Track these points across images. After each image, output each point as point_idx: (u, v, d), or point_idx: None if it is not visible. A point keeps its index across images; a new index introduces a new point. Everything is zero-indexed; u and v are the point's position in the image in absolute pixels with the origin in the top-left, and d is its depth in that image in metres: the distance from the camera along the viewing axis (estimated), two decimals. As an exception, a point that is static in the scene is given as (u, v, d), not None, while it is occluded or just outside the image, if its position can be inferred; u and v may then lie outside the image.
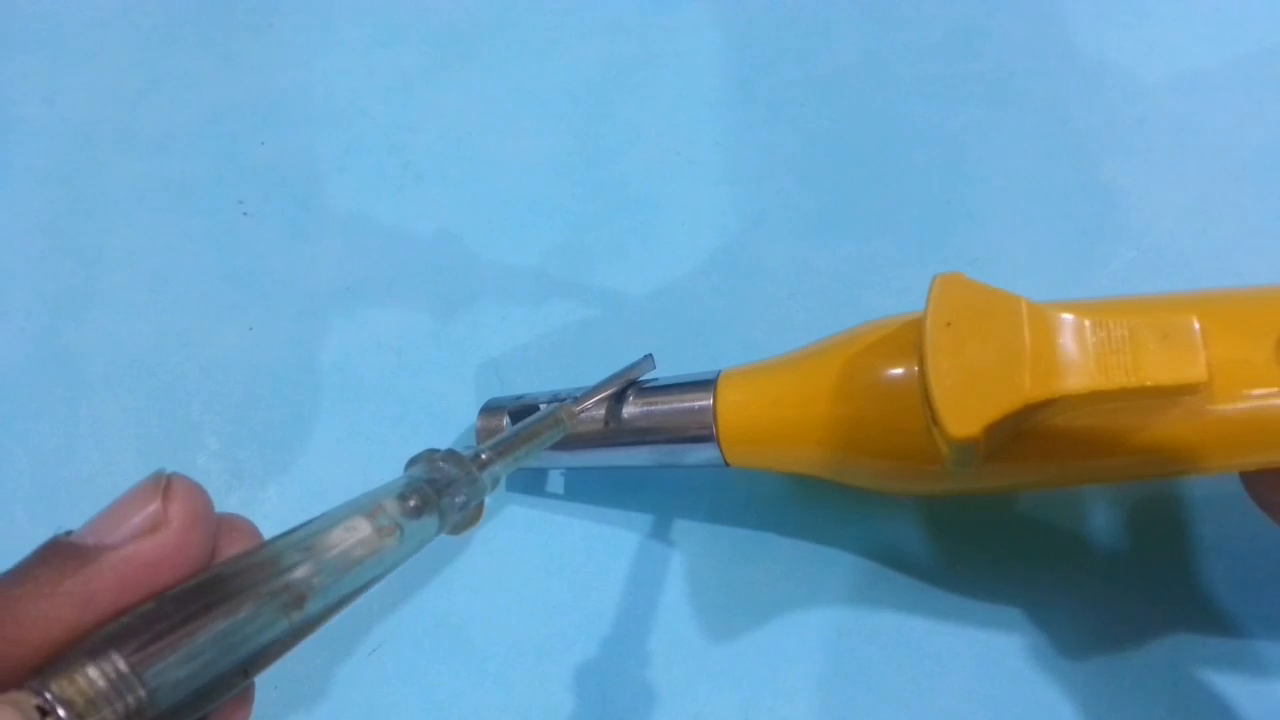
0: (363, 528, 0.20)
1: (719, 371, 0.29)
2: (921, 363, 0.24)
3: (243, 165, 0.40)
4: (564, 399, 0.29)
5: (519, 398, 0.31)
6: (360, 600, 0.31)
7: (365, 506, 0.20)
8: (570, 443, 0.30)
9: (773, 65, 0.41)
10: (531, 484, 0.33)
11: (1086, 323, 0.23)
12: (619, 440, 0.29)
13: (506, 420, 0.31)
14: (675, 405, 0.29)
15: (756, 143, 0.39)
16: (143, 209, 0.39)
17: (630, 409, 0.29)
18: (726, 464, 0.29)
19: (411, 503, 0.21)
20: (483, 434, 0.31)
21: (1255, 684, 0.28)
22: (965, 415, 0.22)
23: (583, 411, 0.28)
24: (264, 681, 0.31)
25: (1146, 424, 0.24)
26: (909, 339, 0.25)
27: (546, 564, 0.32)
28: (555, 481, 0.33)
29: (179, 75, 0.43)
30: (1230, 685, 0.28)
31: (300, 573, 0.18)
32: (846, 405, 0.26)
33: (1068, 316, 0.23)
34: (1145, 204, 0.36)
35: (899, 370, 0.25)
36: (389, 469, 0.33)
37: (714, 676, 0.30)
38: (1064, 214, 0.36)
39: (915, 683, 0.29)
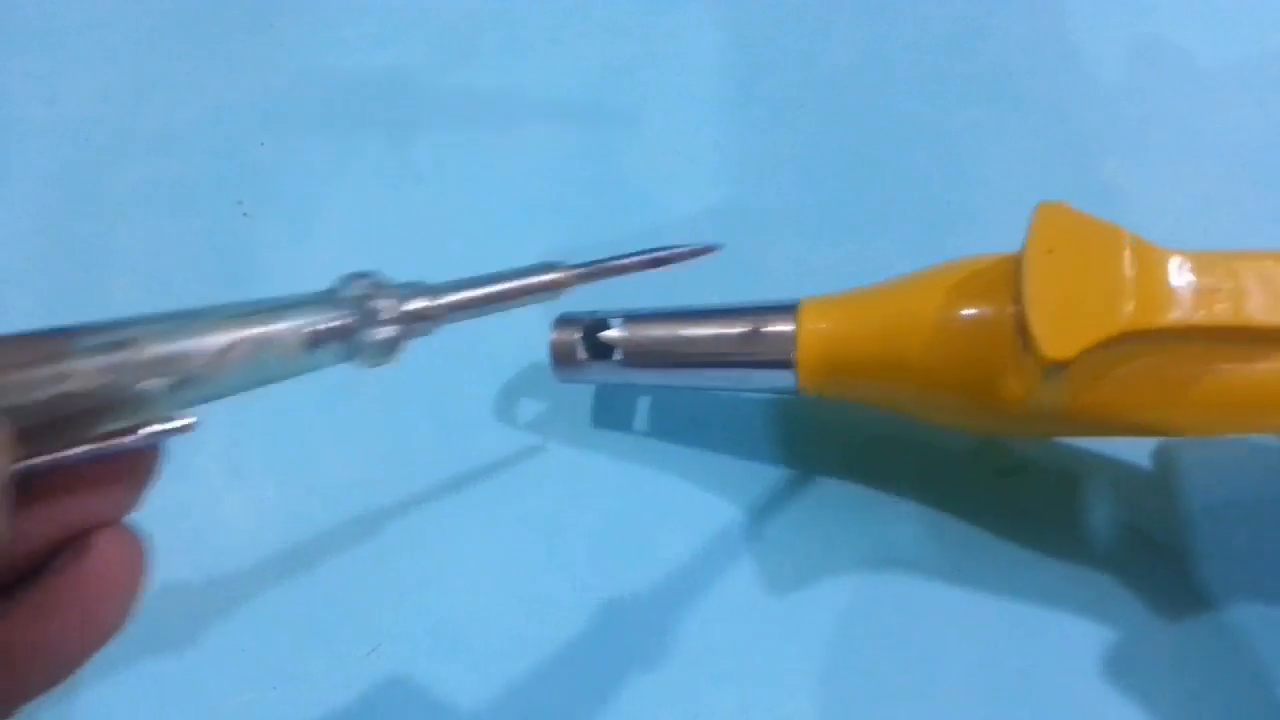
0: (241, 335, 0.19)
1: (797, 299, 0.29)
2: (1020, 287, 0.24)
3: (243, 165, 0.40)
4: (637, 316, 0.29)
5: (593, 313, 0.32)
6: (359, 600, 0.32)
7: (252, 321, 0.19)
8: (643, 360, 0.30)
9: (773, 65, 0.41)
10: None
11: (1189, 261, 0.23)
12: (693, 361, 0.29)
13: (579, 336, 0.31)
14: (754, 328, 0.29)
15: (756, 143, 0.39)
16: (143, 209, 0.39)
17: (705, 329, 0.29)
18: (801, 392, 0.29)
19: (314, 328, 0.19)
20: (556, 347, 0.31)
21: (1255, 684, 0.28)
22: (1061, 338, 0.22)
23: (583, 278, 0.25)
24: (263, 682, 0.31)
25: (1237, 373, 0.24)
26: (1005, 273, 0.25)
27: (546, 564, 0.32)
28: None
29: (179, 75, 0.43)
30: (1231, 685, 0.28)
31: (154, 348, 0.18)
32: (937, 339, 0.26)
33: (1170, 252, 0.23)
34: (1145, 204, 0.36)
35: (993, 305, 0.26)
36: (389, 469, 0.33)
37: (714, 676, 0.30)
38: (1064, 214, 0.36)
39: (915, 683, 0.29)
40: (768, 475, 0.32)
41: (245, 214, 0.39)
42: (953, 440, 0.32)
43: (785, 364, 0.28)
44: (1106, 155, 0.37)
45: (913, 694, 0.29)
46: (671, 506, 0.32)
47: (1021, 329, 0.24)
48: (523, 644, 0.30)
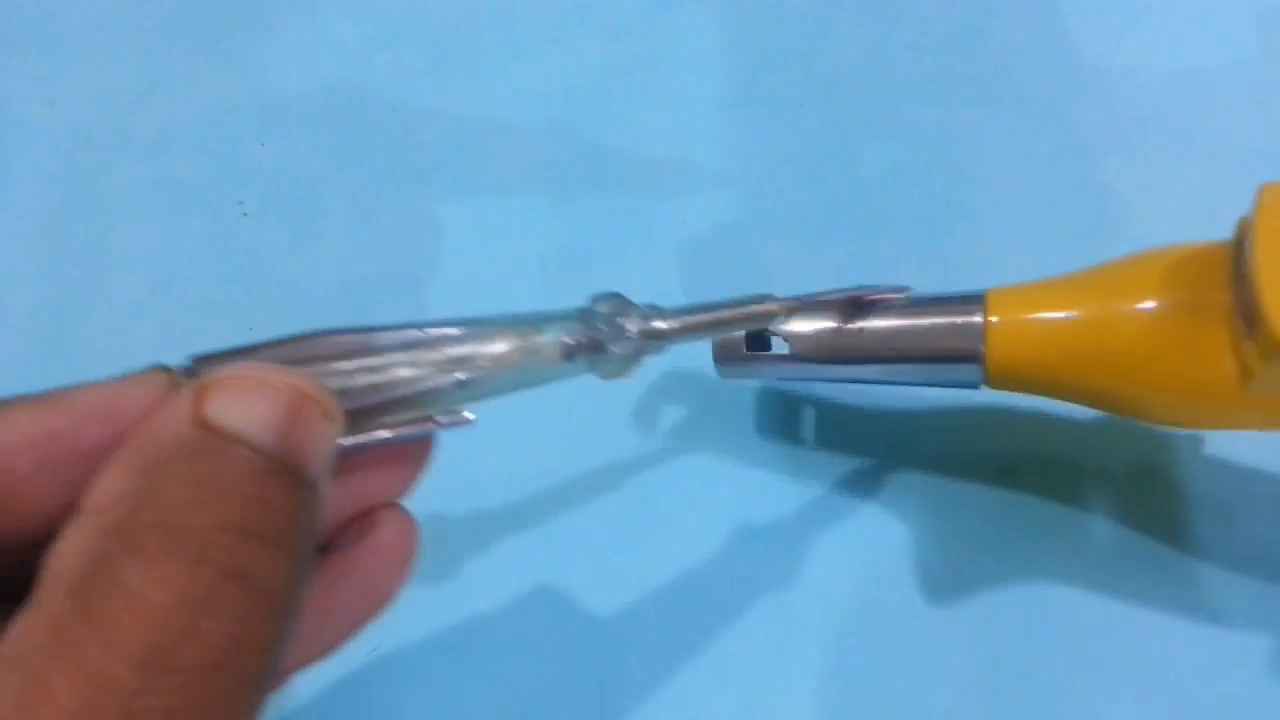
0: (511, 344, 0.21)
1: (983, 290, 0.28)
2: (1246, 269, 0.23)
3: (243, 165, 0.40)
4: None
5: None
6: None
7: (523, 331, 0.21)
8: (814, 355, 0.29)
9: (773, 65, 0.41)
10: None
11: None
12: (869, 355, 0.28)
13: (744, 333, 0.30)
14: (939, 321, 0.28)
15: (756, 143, 0.39)
16: (143, 210, 0.39)
17: (882, 321, 0.28)
18: (987, 385, 0.28)
19: (569, 341, 0.21)
20: (721, 343, 0.30)
21: (1257, 684, 0.28)
22: None
23: (797, 311, 0.27)
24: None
25: None
26: (1216, 260, 0.25)
27: (547, 564, 0.32)
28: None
29: (179, 75, 0.43)
30: (1231, 685, 0.28)
31: (444, 350, 0.20)
32: (1145, 330, 0.26)
33: None
34: (1145, 204, 0.36)
35: (1207, 293, 0.25)
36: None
37: (714, 676, 0.30)
38: (1064, 214, 0.36)
39: (915, 682, 0.29)
40: (764, 476, 0.32)
41: (245, 214, 0.39)
42: (953, 440, 0.32)
43: (972, 358, 0.27)
44: (1106, 155, 0.37)
45: (912, 694, 0.29)
46: (668, 507, 0.32)
47: (1248, 312, 0.23)
48: (523, 643, 0.31)
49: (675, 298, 0.35)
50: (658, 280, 0.36)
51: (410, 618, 0.31)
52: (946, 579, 0.30)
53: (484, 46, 0.42)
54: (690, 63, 0.41)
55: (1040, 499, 0.31)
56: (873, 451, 0.32)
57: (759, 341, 0.29)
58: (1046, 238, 0.36)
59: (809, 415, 0.33)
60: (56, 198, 0.40)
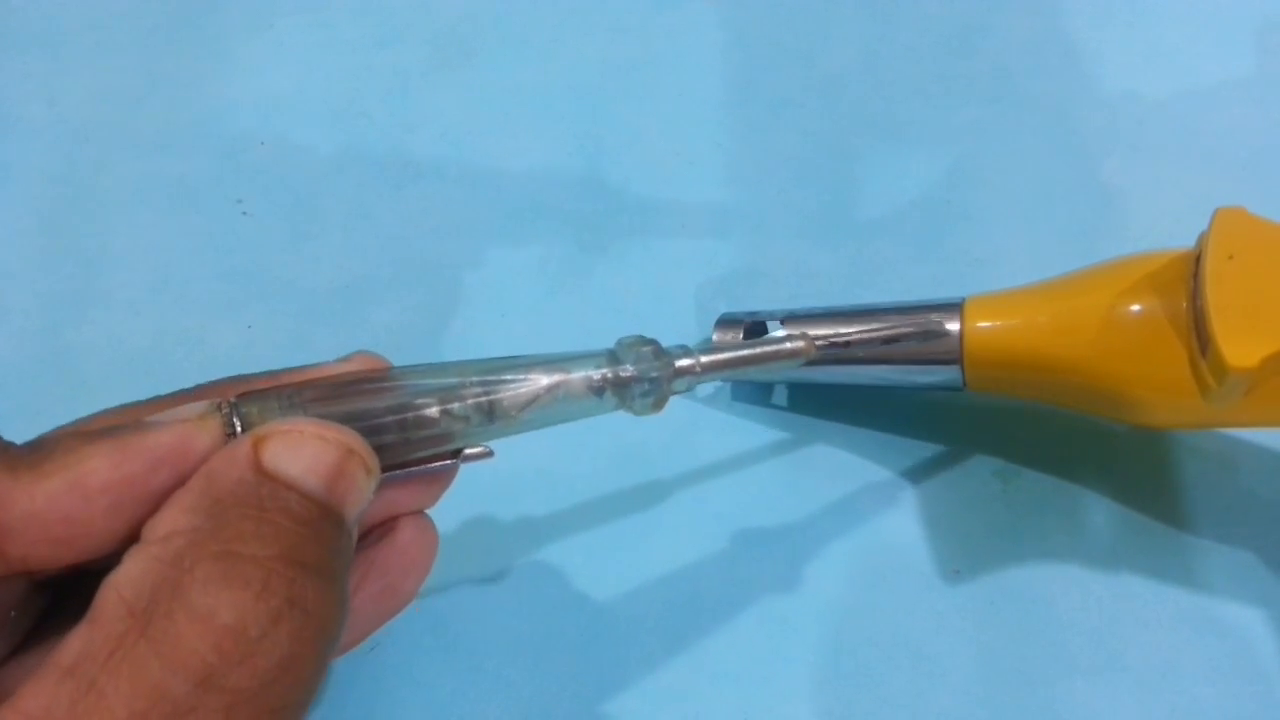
0: (541, 383, 0.22)
1: (963, 297, 0.29)
2: (1199, 293, 0.24)
3: (243, 165, 0.40)
4: (798, 316, 0.29)
5: (753, 313, 0.32)
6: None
7: (554, 370, 0.22)
8: (812, 359, 0.30)
9: (773, 65, 0.41)
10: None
11: None
12: (857, 359, 0.30)
13: (740, 336, 0.32)
14: (919, 326, 0.29)
15: (756, 143, 0.39)
16: (143, 209, 0.39)
17: (868, 328, 0.30)
18: (966, 388, 0.29)
19: (596, 377, 0.22)
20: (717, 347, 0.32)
21: (1257, 684, 0.28)
22: (1245, 346, 0.23)
23: (821, 348, 0.28)
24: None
25: None
26: (1179, 273, 0.26)
27: (547, 563, 0.32)
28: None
29: (179, 75, 0.43)
30: (1231, 685, 0.28)
31: (474, 392, 0.21)
32: (1109, 336, 0.26)
33: None
34: (1145, 204, 0.36)
35: (1168, 302, 0.26)
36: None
37: (714, 676, 0.30)
38: (1064, 214, 0.36)
39: (915, 683, 0.29)
40: (762, 476, 0.32)
41: (244, 213, 0.39)
42: (952, 441, 0.32)
43: (952, 361, 0.29)
44: (1106, 155, 0.37)
45: (912, 695, 0.29)
46: (668, 507, 0.32)
47: (1202, 335, 0.24)
48: (523, 644, 0.30)
49: (673, 295, 0.36)
50: (657, 278, 0.36)
51: (410, 617, 0.31)
52: (945, 579, 0.30)
53: (484, 46, 0.42)
54: (690, 63, 0.41)
55: (1038, 499, 0.31)
56: (871, 452, 0.32)
57: None
58: (1046, 238, 0.36)
59: (807, 415, 0.33)
60: (56, 196, 0.40)
